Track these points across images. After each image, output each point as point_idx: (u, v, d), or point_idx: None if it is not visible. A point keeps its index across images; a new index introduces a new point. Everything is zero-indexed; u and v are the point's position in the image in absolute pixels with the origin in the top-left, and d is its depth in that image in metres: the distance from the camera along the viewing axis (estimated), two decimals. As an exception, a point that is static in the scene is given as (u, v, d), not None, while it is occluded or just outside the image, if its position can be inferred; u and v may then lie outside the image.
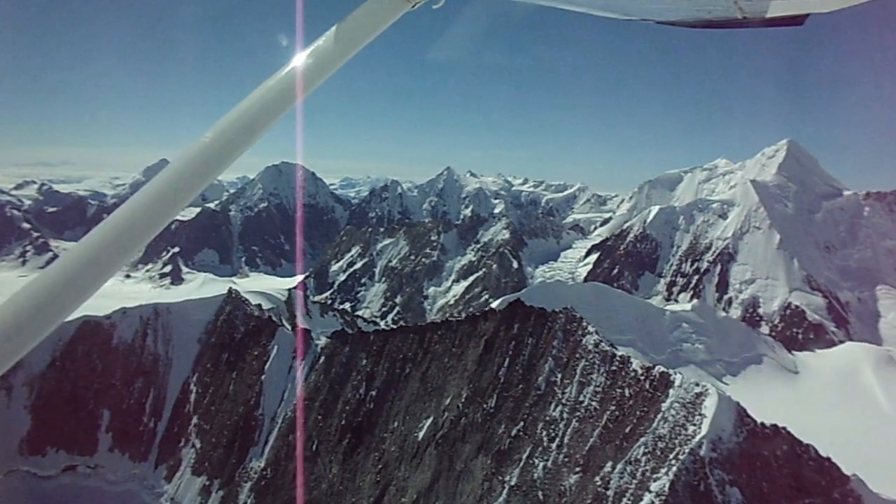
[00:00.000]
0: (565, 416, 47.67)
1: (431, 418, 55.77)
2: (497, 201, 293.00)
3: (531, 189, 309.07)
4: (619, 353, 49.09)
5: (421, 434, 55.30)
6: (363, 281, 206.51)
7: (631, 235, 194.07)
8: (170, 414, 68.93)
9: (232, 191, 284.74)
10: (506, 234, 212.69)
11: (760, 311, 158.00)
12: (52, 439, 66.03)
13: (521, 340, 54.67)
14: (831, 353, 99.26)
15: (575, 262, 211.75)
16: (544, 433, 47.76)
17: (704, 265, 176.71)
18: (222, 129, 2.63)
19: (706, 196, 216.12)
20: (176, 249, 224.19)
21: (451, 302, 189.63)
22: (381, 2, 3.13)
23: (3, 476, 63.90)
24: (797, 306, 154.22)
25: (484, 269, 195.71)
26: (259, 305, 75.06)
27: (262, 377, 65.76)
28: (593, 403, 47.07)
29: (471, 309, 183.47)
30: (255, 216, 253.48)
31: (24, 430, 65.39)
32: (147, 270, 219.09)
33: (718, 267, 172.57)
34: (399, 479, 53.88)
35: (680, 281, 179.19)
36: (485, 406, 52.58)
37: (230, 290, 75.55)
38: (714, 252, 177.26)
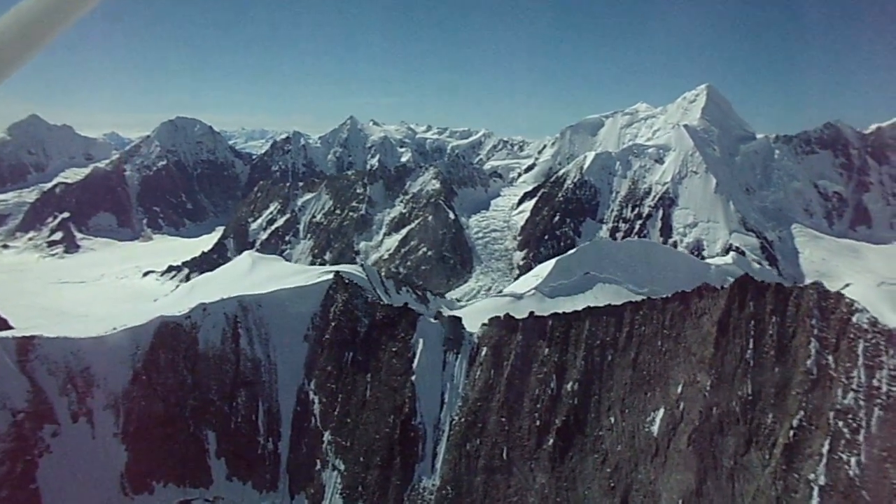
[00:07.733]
0: (862, 404, 43.90)
1: (662, 410, 49.87)
2: (403, 150, 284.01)
3: (436, 136, 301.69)
4: (908, 332, 45.82)
5: (655, 428, 49.34)
6: (287, 238, 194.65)
7: (568, 182, 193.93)
8: (290, 431, 56.61)
9: (124, 148, 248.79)
10: (436, 185, 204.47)
11: (705, 253, 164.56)
12: (157, 472, 52.20)
13: (760, 319, 49.78)
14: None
15: (507, 209, 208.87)
16: (840, 423, 43.79)
17: (646, 210, 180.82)
18: None
19: (629, 141, 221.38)
20: (66, 215, 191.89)
21: (386, 256, 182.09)
22: None
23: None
24: (738, 247, 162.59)
25: (418, 221, 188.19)
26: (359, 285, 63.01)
27: (412, 377, 55.46)
28: (894, 389, 43.64)
29: (409, 263, 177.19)
30: (153, 175, 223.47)
31: (122, 464, 50.84)
32: (30, 239, 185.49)
33: (661, 211, 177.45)
34: (643, 483, 47.89)
35: (623, 226, 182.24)
36: (739, 394, 47.57)
37: (338, 275, 62.68)
38: (654, 197, 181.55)
